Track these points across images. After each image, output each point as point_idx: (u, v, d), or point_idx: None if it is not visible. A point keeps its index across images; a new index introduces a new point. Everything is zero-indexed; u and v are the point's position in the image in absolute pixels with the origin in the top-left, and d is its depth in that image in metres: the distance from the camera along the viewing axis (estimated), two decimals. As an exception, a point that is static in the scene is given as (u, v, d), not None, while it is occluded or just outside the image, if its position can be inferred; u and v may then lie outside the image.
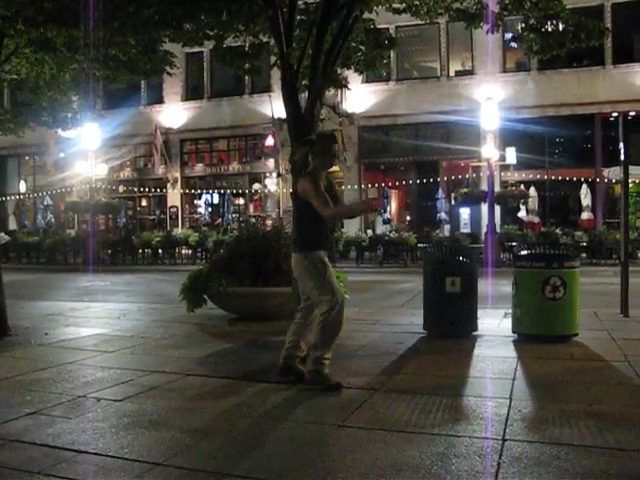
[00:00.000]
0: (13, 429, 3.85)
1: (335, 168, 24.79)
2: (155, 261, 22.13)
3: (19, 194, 29.01)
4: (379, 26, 9.56)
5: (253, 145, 26.44)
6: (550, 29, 8.34)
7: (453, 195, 21.64)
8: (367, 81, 22.78)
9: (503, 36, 20.94)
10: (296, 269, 4.84)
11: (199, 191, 26.67)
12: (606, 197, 22.14)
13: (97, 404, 4.40)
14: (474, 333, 6.82)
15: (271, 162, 24.53)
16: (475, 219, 21.82)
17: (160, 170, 26.37)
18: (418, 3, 8.48)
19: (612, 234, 17.68)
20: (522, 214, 21.29)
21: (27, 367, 5.53)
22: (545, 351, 5.96)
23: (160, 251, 22.47)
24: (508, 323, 6.94)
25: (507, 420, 3.91)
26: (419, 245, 18.57)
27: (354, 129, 23.82)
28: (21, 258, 23.93)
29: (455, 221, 22.16)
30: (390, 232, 20.72)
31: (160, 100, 27.00)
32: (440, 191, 22.06)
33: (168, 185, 26.96)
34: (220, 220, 25.38)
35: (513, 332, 6.69)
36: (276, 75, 9.01)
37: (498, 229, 19.46)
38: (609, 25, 19.45)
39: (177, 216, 27.01)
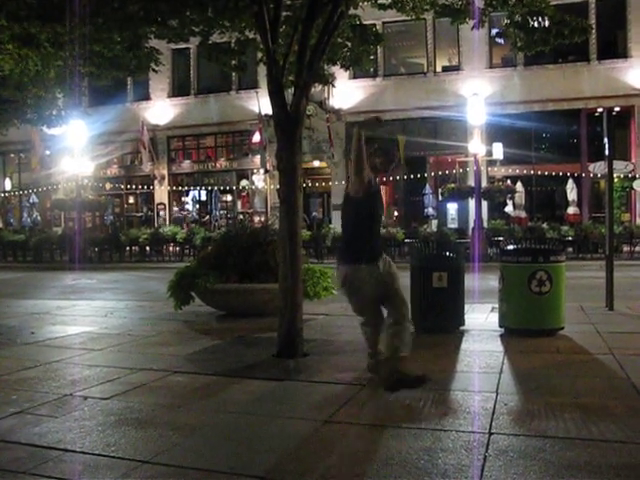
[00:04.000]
0: (-1, 428, 3.83)
1: (323, 164, 24.89)
2: (142, 258, 22.02)
3: (4, 192, 28.74)
4: (365, 22, 9.55)
5: (240, 142, 26.35)
6: (535, 25, 8.37)
7: (440, 190, 21.69)
8: (354, 77, 22.77)
9: (489, 32, 21.01)
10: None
11: (186, 188, 26.57)
12: (592, 192, 22.31)
13: (84, 402, 4.38)
14: (461, 328, 6.85)
15: (258, 158, 24.47)
16: (462, 214, 21.90)
17: (147, 167, 26.24)
18: (404, -1, 8.48)
19: (598, 228, 17.81)
20: (509, 209, 21.39)
21: (13, 366, 5.50)
22: (531, 345, 6.00)
23: (147, 248, 22.37)
24: (495, 317, 6.98)
25: (493, 414, 3.95)
26: (406, 240, 18.61)
27: (341, 125, 23.80)
28: (7, 256, 23.71)
29: (442, 216, 22.20)
30: (378, 228, 20.70)
31: (147, 97, 26.84)
32: (427, 186, 22.11)
33: (155, 182, 26.84)
34: (208, 217, 25.32)
35: (500, 326, 6.73)
36: (263, 71, 8.98)
37: (485, 224, 19.53)
38: (593, 21, 19.62)
39: (164, 213, 26.89)
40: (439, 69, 23.76)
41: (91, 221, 27.48)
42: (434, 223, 21.93)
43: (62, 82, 10.98)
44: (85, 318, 8.38)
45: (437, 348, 6.04)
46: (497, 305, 6.91)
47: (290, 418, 3.98)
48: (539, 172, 21.99)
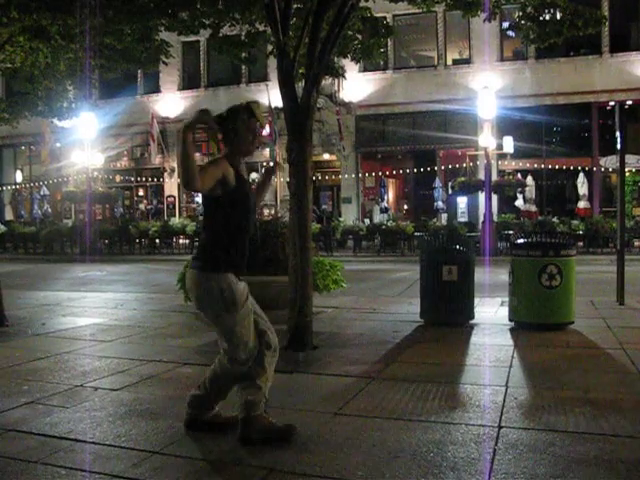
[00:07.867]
0: (10, 419, 3.85)
1: (332, 157, 24.83)
2: (152, 251, 22.12)
3: (15, 184, 28.89)
4: (376, 15, 9.51)
5: (250, 134, 26.31)
6: (547, 17, 8.31)
7: (450, 184, 21.60)
8: (364, 70, 22.69)
9: (500, 25, 20.89)
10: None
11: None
12: (603, 186, 22.14)
13: (94, 393, 4.41)
14: (471, 321, 6.84)
15: (268, 151, 24.45)
16: (472, 208, 21.82)
17: (157, 160, 26.29)
18: (415, -9, 8.43)
19: (608, 223, 17.71)
20: (519, 203, 21.28)
21: (24, 357, 5.54)
22: (541, 339, 5.99)
23: (157, 241, 22.46)
24: (505, 311, 6.97)
25: (503, 407, 3.94)
26: (416, 234, 18.57)
27: (351, 118, 23.75)
28: (18, 248, 23.85)
29: (452, 210, 22.13)
30: (387, 221, 20.72)
31: (157, 89, 26.86)
32: (437, 180, 22.04)
33: (165, 175, 26.90)
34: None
35: (510, 320, 6.71)
36: (273, 64, 8.98)
37: (495, 218, 19.46)
38: (606, 13, 19.40)
39: (174, 205, 26.97)
40: (449, 62, 23.62)
41: (101, 213, 27.59)
42: (444, 217, 21.87)
43: (72, 74, 11.00)
44: (95, 310, 8.42)
45: (447, 341, 6.04)
46: (507, 299, 6.90)
47: (299, 410, 3.99)
48: (550, 166, 21.86)
